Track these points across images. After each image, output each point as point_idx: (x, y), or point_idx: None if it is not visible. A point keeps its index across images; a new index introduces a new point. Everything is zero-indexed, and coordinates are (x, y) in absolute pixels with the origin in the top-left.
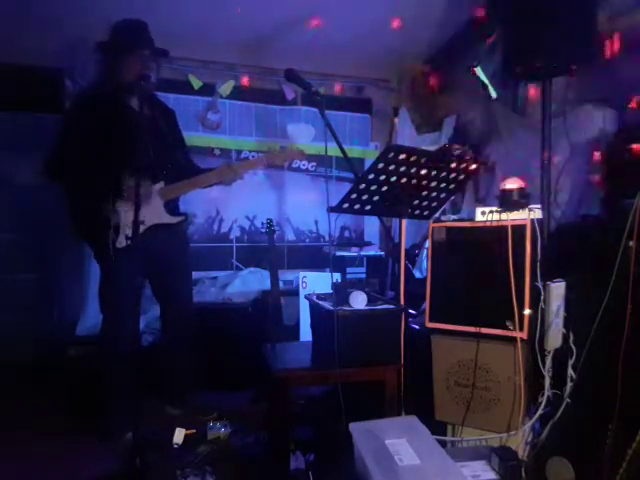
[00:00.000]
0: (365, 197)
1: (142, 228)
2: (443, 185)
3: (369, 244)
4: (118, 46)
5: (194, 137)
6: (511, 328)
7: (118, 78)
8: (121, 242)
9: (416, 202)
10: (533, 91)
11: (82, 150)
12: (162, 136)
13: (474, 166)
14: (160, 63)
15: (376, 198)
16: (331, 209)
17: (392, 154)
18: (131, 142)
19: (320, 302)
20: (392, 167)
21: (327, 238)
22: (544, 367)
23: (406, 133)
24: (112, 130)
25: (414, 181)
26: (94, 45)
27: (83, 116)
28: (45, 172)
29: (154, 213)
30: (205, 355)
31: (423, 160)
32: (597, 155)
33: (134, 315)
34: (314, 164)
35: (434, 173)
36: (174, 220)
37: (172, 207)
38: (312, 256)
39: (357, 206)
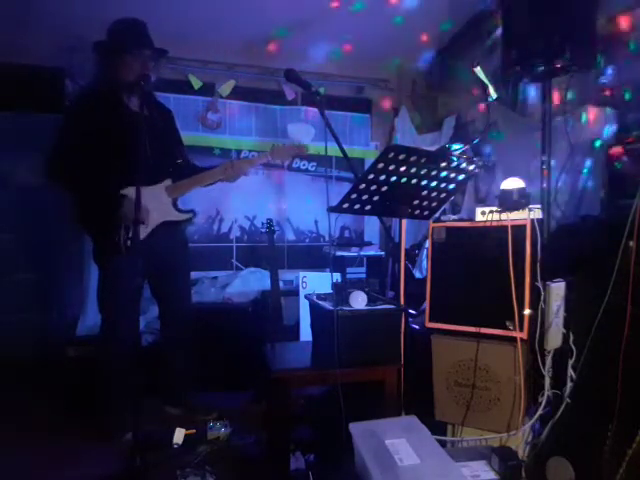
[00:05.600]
0: (365, 197)
1: (151, 227)
2: (443, 185)
3: (369, 244)
4: (116, 46)
5: (194, 137)
6: (511, 328)
7: (117, 78)
8: (127, 241)
9: (416, 202)
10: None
11: (81, 149)
12: (161, 135)
13: (474, 166)
14: (160, 63)
15: (376, 198)
16: (331, 209)
17: (392, 154)
18: (130, 141)
19: (320, 302)
20: (392, 167)
21: (327, 238)
22: (544, 367)
23: (406, 133)
24: (111, 129)
25: (414, 181)
26: (92, 45)
27: (82, 115)
28: (46, 172)
29: (163, 211)
30: (205, 355)
31: (423, 160)
32: (597, 155)
33: (134, 315)
34: (314, 164)
35: (434, 173)
36: (183, 217)
37: (176, 205)
38: (312, 256)
39: (357, 206)
